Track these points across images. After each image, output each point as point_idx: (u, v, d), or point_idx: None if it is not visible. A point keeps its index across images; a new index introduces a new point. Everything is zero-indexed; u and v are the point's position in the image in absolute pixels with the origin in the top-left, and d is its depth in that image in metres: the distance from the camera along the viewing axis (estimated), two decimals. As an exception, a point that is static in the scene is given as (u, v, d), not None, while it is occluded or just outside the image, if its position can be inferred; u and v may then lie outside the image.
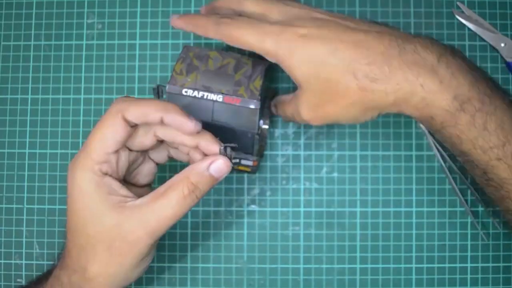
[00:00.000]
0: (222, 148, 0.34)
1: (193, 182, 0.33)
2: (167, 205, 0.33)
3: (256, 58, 0.38)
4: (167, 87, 0.38)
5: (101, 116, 0.33)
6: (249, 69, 0.38)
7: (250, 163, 0.41)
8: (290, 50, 0.34)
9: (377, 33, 0.33)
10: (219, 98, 0.37)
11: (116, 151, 0.34)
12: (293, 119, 0.38)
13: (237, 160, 0.40)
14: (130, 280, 0.35)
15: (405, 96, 0.32)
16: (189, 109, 0.37)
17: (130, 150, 0.36)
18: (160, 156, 0.38)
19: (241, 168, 0.41)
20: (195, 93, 0.37)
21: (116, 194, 0.33)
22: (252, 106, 0.37)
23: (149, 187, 0.40)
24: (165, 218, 0.33)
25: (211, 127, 0.37)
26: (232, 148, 0.35)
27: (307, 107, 0.35)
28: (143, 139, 0.35)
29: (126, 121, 0.33)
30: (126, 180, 0.37)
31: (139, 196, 0.34)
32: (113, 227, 0.33)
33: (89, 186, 0.33)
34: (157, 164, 0.39)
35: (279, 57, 0.34)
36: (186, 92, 0.37)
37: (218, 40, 0.36)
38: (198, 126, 0.33)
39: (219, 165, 0.34)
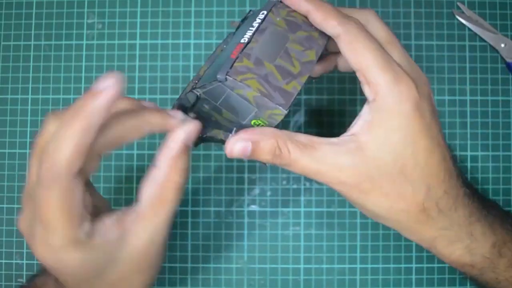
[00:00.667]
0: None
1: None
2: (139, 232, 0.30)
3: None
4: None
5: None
6: (313, 46, 0.31)
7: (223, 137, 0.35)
8: (400, 106, 0.28)
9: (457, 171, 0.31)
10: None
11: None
12: (313, 173, 0.30)
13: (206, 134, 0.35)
14: None
15: (450, 239, 0.31)
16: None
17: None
18: (94, 164, 0.31)
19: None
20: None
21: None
22: (218, 75, 0.29)
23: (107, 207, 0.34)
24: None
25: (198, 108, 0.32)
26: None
27: (353, 170, 0.29)
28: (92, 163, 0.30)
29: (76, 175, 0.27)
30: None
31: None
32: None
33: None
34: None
35: (380, 100, 0.28)
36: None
37: (331, 34, 0.30)
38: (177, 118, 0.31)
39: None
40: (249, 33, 0.30)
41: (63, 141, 0.26)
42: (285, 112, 0.29)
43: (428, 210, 0.29)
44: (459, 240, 0.31)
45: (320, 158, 0.29)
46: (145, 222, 0.30)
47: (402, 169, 0.29)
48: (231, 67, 0.29)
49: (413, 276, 0.44)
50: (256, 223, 0.45)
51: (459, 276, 0.44)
